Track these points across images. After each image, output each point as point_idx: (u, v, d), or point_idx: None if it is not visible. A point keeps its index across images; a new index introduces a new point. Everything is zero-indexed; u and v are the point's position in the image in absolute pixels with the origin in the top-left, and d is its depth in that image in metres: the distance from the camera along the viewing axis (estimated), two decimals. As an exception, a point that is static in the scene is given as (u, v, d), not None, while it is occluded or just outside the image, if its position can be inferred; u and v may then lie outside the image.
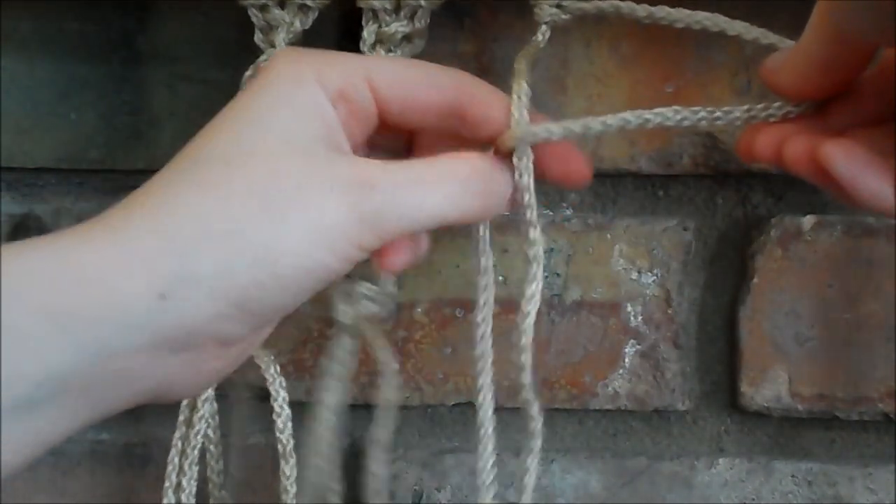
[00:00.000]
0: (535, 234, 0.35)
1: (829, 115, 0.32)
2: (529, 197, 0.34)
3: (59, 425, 0.28)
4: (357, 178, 0.31)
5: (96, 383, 0.28)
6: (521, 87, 0.34)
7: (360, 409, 0.44)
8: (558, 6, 0.37)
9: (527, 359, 0.36)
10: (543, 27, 0.37)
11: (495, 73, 0.43)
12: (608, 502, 0.47)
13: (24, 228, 0.47)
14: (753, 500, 0.47)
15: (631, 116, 0.34)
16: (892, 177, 0.28)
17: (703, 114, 0.33)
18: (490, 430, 0.37)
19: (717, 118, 0.33)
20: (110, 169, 0.46)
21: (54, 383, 0.27)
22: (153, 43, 0.45)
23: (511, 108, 0.34)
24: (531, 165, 0.34)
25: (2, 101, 0.45)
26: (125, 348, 0.28)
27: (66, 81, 0.45)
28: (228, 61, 0.44)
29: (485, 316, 0.36)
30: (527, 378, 0.36)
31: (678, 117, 0.33)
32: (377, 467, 0.39)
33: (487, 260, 0.36)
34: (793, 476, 0.46)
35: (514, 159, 0.34)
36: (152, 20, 0.44)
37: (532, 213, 0.35)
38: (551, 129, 0.34)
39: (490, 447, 0.37)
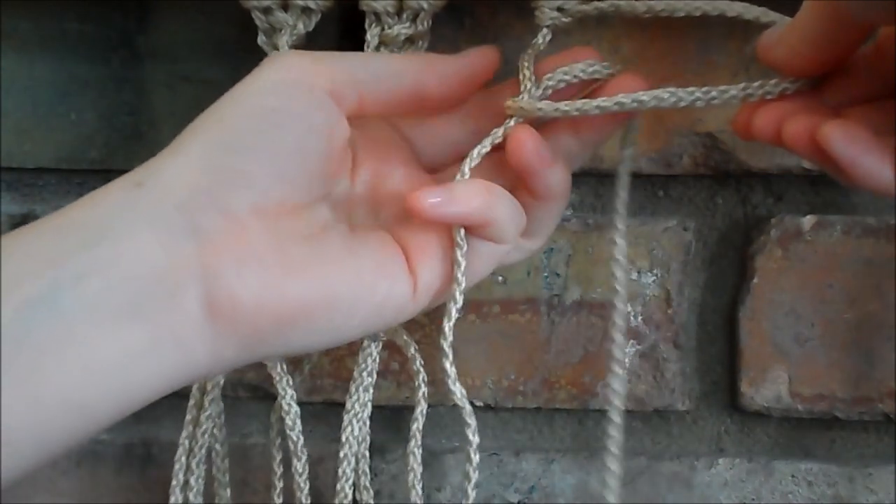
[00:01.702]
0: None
1: (827, 91, 0.32)
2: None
3: (121, 342, 0.27)
4: None
5: (124, 282, 0.28)
6: (530, 69, 0.37)
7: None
8: (559, 9, 0.37)
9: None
10: (544, 30, 0.38)
11: (495, 73, 0.43)
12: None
13: (24, 228, 0.47)
14: (753, 500, 0.47)
15: (626, 99, 0.34)
16: (891, 156, 0.28)
17: (698, 94, 0.33)
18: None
19: (713, 98, 0.33)
20: (110, 169, 0.46)
21: (69, 279, 0.27)
22: (153, 43, 0.45)
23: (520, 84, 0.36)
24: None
25: (2, 101, 0.45)
26: (124, 233, 0.28)
27: (66, 81, 0.45)
28: (228, 61, 0.44)
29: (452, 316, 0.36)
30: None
31: (672, 99, 0.33)
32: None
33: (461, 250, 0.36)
34: (793, 476, 0.46)
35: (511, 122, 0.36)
36: (152, 20, 0.44)
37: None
38: (544, 107, 0.35)
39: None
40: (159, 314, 0.28)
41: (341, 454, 0.41)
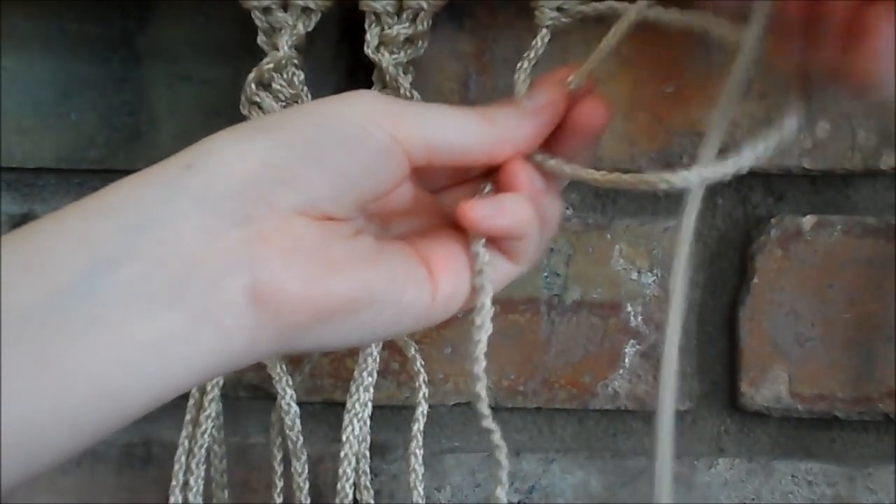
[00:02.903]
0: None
1: None
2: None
3: (157, 328, 0.27)
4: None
5: (165, 267, 0.27)
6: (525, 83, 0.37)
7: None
8: (559, 9, 0.37)
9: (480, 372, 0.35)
10: (543, 31, 0.38)
11: (495, 73, 0.43)
12: (608, 502, 0.47)
13: (24, 228, 0.47)
14: (753, 500, 0.47)
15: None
16: None
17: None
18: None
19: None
20: (110, 169, 0.46)
21: (106, 265, 0.27)
22: (153, 43, 0.45)
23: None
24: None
25: (2, 101, 0.45)
26: (169, 216, 0.28)
27: (66, 81, 0.45)
28: (228, 61, 0.44)
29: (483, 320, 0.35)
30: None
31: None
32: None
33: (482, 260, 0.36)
34: (793, 476, 0.46)
35: None
36: (152, 20, 0.44)
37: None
38: (554, 166, 0.35)
39: None
40: (200, 299, 0.28)
41: (342, 454, 0.41)
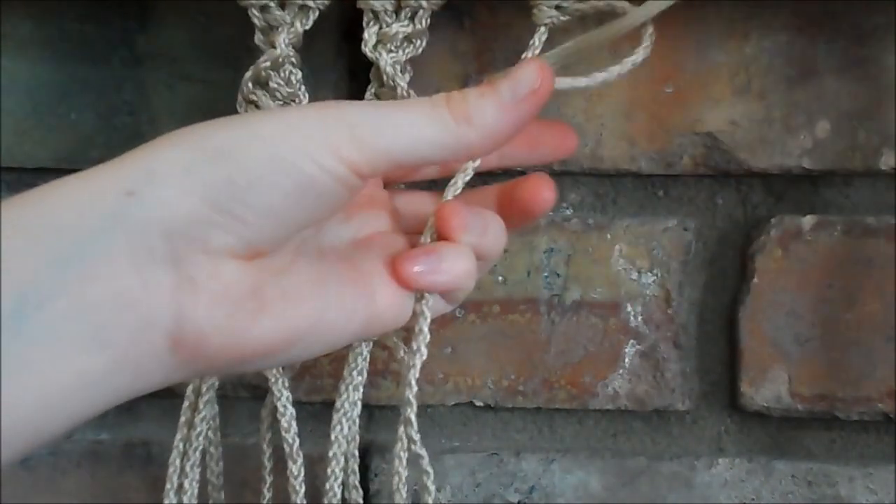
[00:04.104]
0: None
1: None
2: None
3: (81, 369, 0.26)
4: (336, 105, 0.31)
5: (92, 307, 0.26)
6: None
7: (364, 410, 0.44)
8: (557, 7, 0.37)
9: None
10: (542, 29, 0.37)
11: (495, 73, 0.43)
12: (608, 502, 0.47)
13: (24, 228, 0.47)
14: (753, 500, 0.47)
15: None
16: None
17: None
18: None
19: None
20: (110, 169, 0.46)
21: (36, 299, 0.26)
22: (153, 43, 0.45)
23: None
24: None
25: (2, 101, 0.45)
26: (102, 251, 0.26)
27: (66, 81, 0.45)
28: (228, 61, 0.44)
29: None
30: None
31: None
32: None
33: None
34: (793, 476, 0.46)
35: None
36: (152, 20, 0.44)
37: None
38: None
39: None
40: (124, 345, 0.27)
41: (330, 453, 0.40)
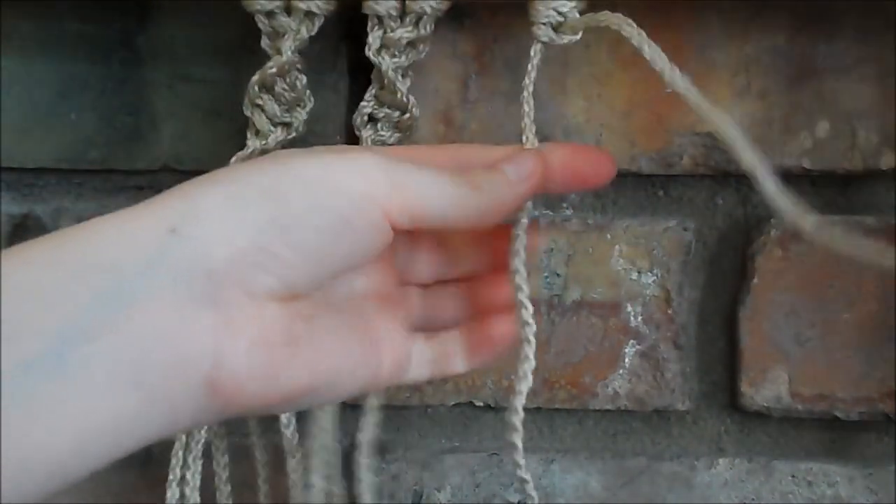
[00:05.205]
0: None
1: None
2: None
3: (116, 408, 0.26)
4: (384, 153, 0.32)
5: (131, 346, 0.26)
6: (531, 109, 0.37)
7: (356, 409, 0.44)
8: (555, 30, 0.37)
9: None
10: (539, 45, 0.37)
11: (495, 73, 0.43)
12: (608, 502, 0.47)
13: (23, 228, 0.47)
14: (753, 500, 0.47)
15: None
16: None
17: None
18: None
19: None
20: (110, 169, 0.46)
21: (77, 335, 0.25)
22: (153, 43, 0.45)
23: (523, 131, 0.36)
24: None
25: (2, 101, 0.45)
26: (145, 289, 0.26)
27: (66, 81, 0.45)
28: (229, 62, 0.44)
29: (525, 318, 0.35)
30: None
31: None
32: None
33: (520, 262, 0.36)
34: (793, 476, 0.46)
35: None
36: (152, 20, 0.44)
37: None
38: None
39: None
40: (160, 382, 0.27)
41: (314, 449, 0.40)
